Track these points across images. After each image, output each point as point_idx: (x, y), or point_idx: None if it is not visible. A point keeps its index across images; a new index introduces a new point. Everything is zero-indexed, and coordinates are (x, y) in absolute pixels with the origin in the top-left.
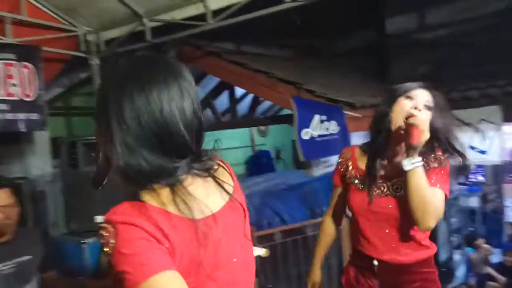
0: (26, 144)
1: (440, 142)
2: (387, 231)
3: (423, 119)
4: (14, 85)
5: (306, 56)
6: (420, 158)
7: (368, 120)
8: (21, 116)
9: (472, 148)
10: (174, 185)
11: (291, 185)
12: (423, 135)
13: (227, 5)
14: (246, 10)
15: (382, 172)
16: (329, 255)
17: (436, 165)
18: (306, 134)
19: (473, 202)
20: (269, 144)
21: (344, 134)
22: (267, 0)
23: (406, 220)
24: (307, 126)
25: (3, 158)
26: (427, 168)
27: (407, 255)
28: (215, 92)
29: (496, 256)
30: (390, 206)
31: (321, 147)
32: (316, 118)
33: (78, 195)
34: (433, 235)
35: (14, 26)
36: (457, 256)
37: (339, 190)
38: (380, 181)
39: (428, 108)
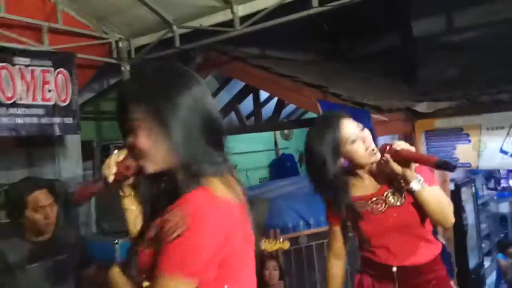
0: (58, 147)
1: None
2: (401, 239)
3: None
4: (50, 90)
5: (332, 59)
6: (418, 174)
7: (396, 123)
8: (56, 120)
9: (504, 152)
10: (223, 175)
11: None
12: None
13: (254, 11)
14: (273, 16)
15: (367, 193)
16: (355, 258)
17: None
18: None
19: (504, 207)
20: (292, 148)
21: None
22: (294, 5)
23: (415, 223)
24: None
25: (36, 160)
26: None
27: (423, 255)
28: (240, 96)
29: None
30: (395, 216)
31: None
32: None
33: (109, 196)
34: (462, 241)
35: (50, 34)
36: (487, 263)
37: (337, 229)
38: (374, 199)
39: (364, 128)
